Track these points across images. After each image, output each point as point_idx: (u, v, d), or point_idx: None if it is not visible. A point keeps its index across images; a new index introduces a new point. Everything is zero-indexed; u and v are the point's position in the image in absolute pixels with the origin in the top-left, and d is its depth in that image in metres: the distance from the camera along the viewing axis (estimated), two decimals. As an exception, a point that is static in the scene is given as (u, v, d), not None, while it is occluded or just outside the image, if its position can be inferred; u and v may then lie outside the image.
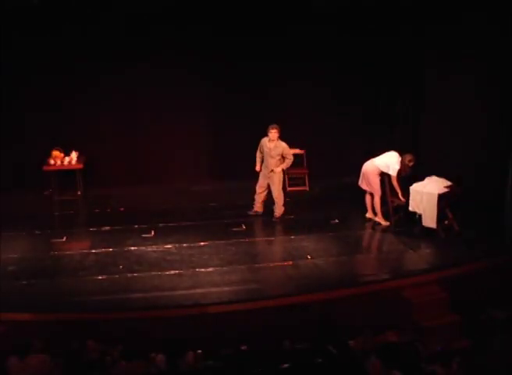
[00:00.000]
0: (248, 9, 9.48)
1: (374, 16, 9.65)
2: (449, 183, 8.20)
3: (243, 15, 9.58)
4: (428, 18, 9.11)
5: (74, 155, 9.60)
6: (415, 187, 8.20)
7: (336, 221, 8.86)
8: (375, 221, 8.65)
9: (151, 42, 9.58)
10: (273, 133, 8.51)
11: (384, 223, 8.56)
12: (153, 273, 7.25)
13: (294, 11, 9.58)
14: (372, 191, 8.52)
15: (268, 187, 8.78)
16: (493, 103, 8.23)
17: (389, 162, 8.34)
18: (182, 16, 9.48)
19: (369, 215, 8.73)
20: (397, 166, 8.25)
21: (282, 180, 8.86)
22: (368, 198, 8.67)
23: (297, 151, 10.42)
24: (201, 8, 9.40)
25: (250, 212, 8.94)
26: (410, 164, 8.25)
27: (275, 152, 8.56)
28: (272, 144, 8.58)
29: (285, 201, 8.87)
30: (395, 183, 8.33)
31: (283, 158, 8.63)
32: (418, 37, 9.36)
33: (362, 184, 8.62)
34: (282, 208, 8.87)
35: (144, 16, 9.27)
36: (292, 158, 8.65)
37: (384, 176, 8.47)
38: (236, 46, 9.85)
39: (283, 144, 8.57)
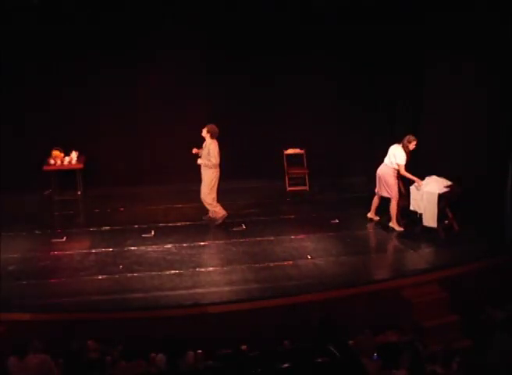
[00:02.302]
0: (248, 10, 9.47)
1: (374, 16, 9.64)
2: (449, 182, 8.20)
3: (243, 17, 9.57)
4: (428, 18, 9.09)
5: (74, 155, 9.60)
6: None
7: (336, 221, 8.86)
8: (376, 221, 8.62)
9: (150, 42, 9.57)
10: (203, 131, 8.53)
11: (398, 228, 8.46)
12: (153, 273, 7.26)
13: (294, 10, 9.57)
14: (390, 195, 8.36)
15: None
16: (493, 103, 8.22)
17: (394, 152, 8.24)
18: (181, 14, 9.48)
19: (370, 215, 8.71)
20: (403, 154, 8.15)
21: (212, 183, 8.56)
22: (375, 199, 8.60)
23: (297, 151, 10.44)
24: (200, 7, 9.39)
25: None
26: (411, 145, 8.13)
27: (204, 151, 8.53)
28: (204, 143, 8.55)
29: (218, 206, 8.66)
30: (404, 172, 8.18)
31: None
32: (418, 37, 9.34)
33: (381, 191, 8.45)
34: (215, 212, 8.64)
35: (143, 14, 9.25)
36: (212, 162, 8.39)
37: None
38: (236, 47, 9.83)
39: (211, 146, 8.43)
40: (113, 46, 9.52)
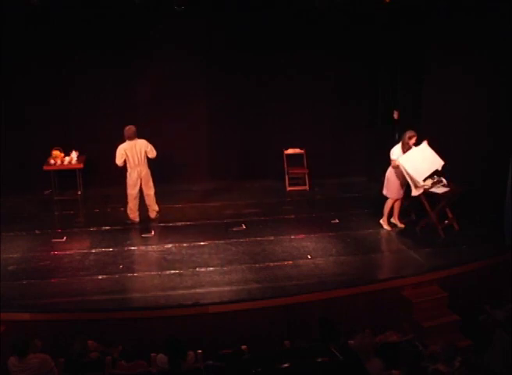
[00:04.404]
0: (248, 10, 9.44)
1: (375, 17, 9.64)
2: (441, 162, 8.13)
3: (243, 17, 9.55)
4: (429, 18, 9.09)
5: (74, 154, 9.62)
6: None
7: (336, 221, 8.86)
8: (394, 223, 8.59)
9: (150, 42, 9.58)
10: None
11: (386, 226, 8.50)
12: (153, 272, 7.26)
13: (294, 10, 9.56)
14: (388, 193, 8.35)
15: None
16: (494, 103, 8.21)
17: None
18: (181, 14, 9.46)
19: (393, 220, 8.60)
20: (398, 149, 8.12)
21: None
22: (396, 204, 8.50)
23: (297, 151, 10.44)
24: (200, 7, 9.38)
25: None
26: (411, 141, 8.06)
27: None
28: None
29: (129, 208, 8.67)
30: (394, 165, 8.16)
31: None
32: (419, 38, 9.34)
33: (384, 190, 8.43)
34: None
35: (143, 14, 9.24)
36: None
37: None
38: (236, 47, 9.84)
39: None
40: (113, 46, 9.53)
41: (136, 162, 8.40)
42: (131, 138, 8.34)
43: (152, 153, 8.43)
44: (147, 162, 8.48)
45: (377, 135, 10.43)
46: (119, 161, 8.37)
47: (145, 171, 8.50)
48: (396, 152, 8.17)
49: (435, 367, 5.06)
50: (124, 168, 8.48)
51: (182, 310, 6.48)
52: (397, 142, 8.41)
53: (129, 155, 8.34)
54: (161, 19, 9.42)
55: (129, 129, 8.34)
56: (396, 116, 9.72)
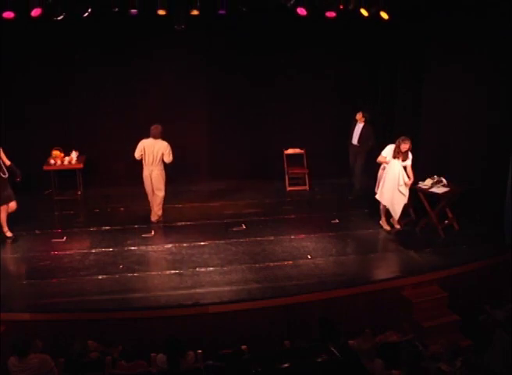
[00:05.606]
0: (247, 10, 9.42)
1: (374, 16, 9.62)
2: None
3: (243, 16, 9.52)
4: (429, 17, 9.09)
5: (74, 154, 9.61)
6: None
7: (336, 221, 8.86)
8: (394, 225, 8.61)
9: (150, 41, 9.56)
10: None
11: (386, 227, 8.52)
12: (153, 272, 7.27)
13: (294, 10, 9.55)
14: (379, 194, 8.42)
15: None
16: (494, 102, 8.21)
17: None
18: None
19: (393, 220, 8.58)
20: (389, 149, 8.15)
21: None
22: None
23: (297, 151, 10.44)
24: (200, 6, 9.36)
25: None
26: (402, 146, 7.99)
27: None
28: None
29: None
30: (379, 159, 8.28)
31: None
32: (419, 37, 9.34)
33: (376, 189, 8.47)
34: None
35: (143, 14, 9.22)
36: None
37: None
38: (236, 47, 9.84)
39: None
40: (113, 45, 9.52)
41: (150, 161, 8.42)
42: (155, 137, 8.39)
43: (168, 158, 8.42)
44: (162, 164, 8.47)
45: (377, 136, 10.41)
46: (136, 154, 8.45)
47: (156, 172, 8.48)
48: (386, 151, 8.20)
49: (438, 366, 5.06)
50: (140, 163, 8.52)
51: (182, 310, 6.49)
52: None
53: (146, 151, 8.40)
54: (162, 20, 9.39)
55: (156, 127, 8.41)
56: (358, 117, 9.65)
